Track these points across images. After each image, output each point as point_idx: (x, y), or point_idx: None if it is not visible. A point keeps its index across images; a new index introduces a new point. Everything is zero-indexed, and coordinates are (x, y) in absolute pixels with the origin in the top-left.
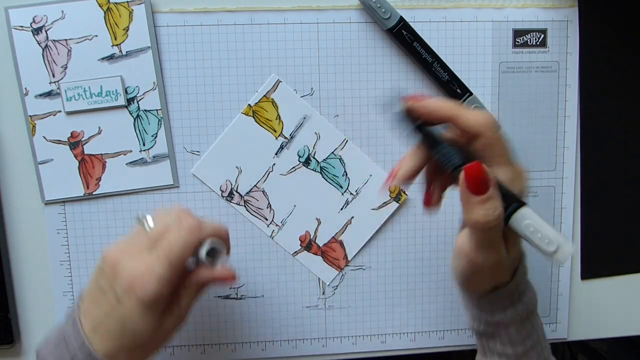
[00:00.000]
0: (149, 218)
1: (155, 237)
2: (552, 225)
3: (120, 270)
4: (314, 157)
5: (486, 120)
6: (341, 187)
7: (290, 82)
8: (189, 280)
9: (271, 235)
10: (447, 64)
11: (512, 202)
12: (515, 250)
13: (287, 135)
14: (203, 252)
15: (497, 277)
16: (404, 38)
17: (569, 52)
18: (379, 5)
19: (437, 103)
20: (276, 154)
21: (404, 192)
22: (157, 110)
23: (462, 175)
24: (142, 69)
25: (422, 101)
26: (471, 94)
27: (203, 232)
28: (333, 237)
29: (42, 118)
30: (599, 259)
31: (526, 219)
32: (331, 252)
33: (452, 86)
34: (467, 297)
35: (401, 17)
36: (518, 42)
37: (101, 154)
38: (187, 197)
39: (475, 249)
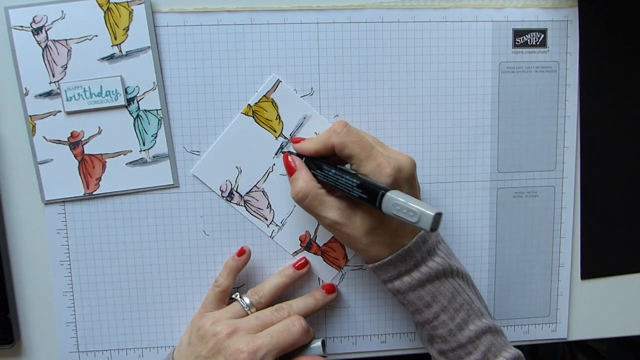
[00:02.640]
0: (246, 298)
1: (264, 323)
2: (420, 200)
3: (227, 346)
4: None
5: (331, 131)
6: None
7: (290, 82)
8: None
9: (271, 235)
10: (447, 63)
11: (378, 191)
12: (394, 222)
13: (287, 135)
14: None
15: (358, 243)
16: None
17: (569, 52)
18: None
19: (306, 147)
20: (276, 154)
21: None
22: (157, 110)
23: None
24: (142, 69)
25: (299, 145)
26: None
27: (309, 338)
28: (333, 237)
29: (42, 118)
30: (599, 259)
31: (392, 201)
32: (331, 252)
33: None
34: (372, 272)
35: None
36: (518, 42)
37: (101, 154)
38: (187, 197)
39: (313, 217)
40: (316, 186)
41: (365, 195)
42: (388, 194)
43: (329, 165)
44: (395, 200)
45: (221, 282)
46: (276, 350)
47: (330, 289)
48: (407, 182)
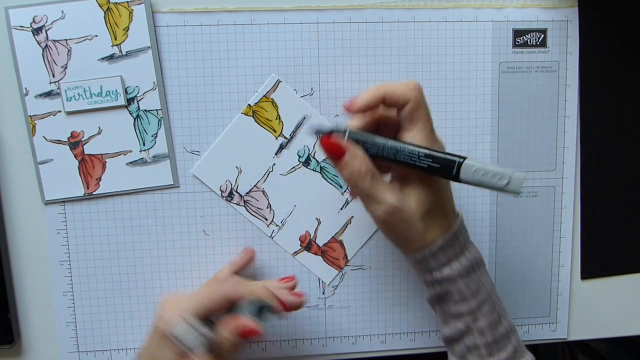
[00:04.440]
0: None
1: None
2: (497, 165)
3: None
4: (314, 157)
5: (413, 85)
6: (341, 187)
7: (290, 82)
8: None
9: (271, 235)
10: (447, 63)
11: (454, 159)
12: (431, 198)
13: (287, 135)
14: (246, 309)
15: (414, 229)
16: None
17: (569, 52)
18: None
19: (368, 94)
20: (276, 154)
21: None
22: (157, 110)
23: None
24: (142, 69)
25: (357, 101)
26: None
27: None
28: (333, 237)
29: (42, 118)
30: (599, 259)
31: (473, 167)
32: (331, 252)
33: None
34: (414, 262)
35: None
36: (518, 42)
37: (101, 154)
38: (187, 197)
39: (365, 205)
40: (371, 165)
41: (437, 165)
42: (467, 161)
43: (382, 136)
44: (478, 166)
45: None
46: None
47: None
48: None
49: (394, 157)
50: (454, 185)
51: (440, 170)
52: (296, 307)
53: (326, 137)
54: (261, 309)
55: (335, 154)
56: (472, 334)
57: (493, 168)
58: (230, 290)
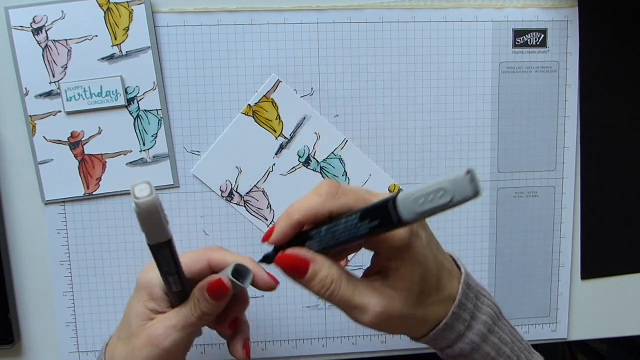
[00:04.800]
0: None
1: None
2: (431, 180)
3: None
4: (314, 157)
5: (321, 194)
6: None
7: (290, 82)
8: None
9: None
10: (447, 63)
11: (386, 202)
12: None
13: (287, 135)
14: (227, 272)
15: (413, 320)
16: None
17: (569, 52)
18: None
19: (283, 228)
20: (276, 154)
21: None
22: (157, 110)
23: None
24: (142, 69)
25: (277, 232)
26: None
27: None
28: None
29: (42, 118)
30: (599, 259)
31: (410, 198)
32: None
33: None
34: (430, 344)
35: None
36: (518, 42)
37: (101, 154)
38: (187, 197)
39: (348, 314)
40: (341, 269)
41: (377, 220)
42: (399, 196)
43: (314, 228)
44: (413, 196)
45: None
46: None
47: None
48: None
49: (336, 241)
50: None
51: (381, 224)
52: (271, 287)
53: (283, 255)
54: (239, 274)
55: (299, 269)
56: None
57: (430, 186)
58: (215, 256)
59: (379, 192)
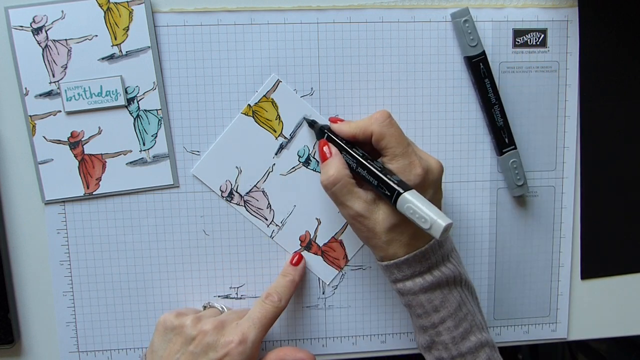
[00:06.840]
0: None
1: (241, 313)
2: (434, 207)
3: (216, 340)
4: (314, 157)
5: (373, 118)
6: None
7: (290, 82)
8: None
9: (271, 235)
10: (447, 63)
11: (400, 189)
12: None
13: (287, 135)
14: None
15: (377, 239)
16: (479, 71)
17: (569, 52)
18: (469, 31)
19: (344, 129)
20: (276, 154)
21: None
22: (157, 110)
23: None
24: (142, 69)
25: (338, 126)
26: (515, 148)
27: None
28: (333, 236)
29: (42, 118)
30: (599, 259)
31: (407, 203)
32: (331, 252)
33: (502, 134)
34: (381, 269)
35: (484, 50)
36: (518, 42)
37: (101, 154)
38: (187, 197)
39: (336, 206)
40: (347, 175)
41: (388, 193)
42: (404, 194)
43: (360, 154)
44: (409, 203)
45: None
46: (260, 329)
47: (297, 261)
48: (433, 185)
49: (355, 169)
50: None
51: (385, 194)
52: None
53: (324, 142)
54: None
55: (321, 156)
56: (437, 347)
57: (423, 209)
58: (278, 312)
59: (419, 149)
